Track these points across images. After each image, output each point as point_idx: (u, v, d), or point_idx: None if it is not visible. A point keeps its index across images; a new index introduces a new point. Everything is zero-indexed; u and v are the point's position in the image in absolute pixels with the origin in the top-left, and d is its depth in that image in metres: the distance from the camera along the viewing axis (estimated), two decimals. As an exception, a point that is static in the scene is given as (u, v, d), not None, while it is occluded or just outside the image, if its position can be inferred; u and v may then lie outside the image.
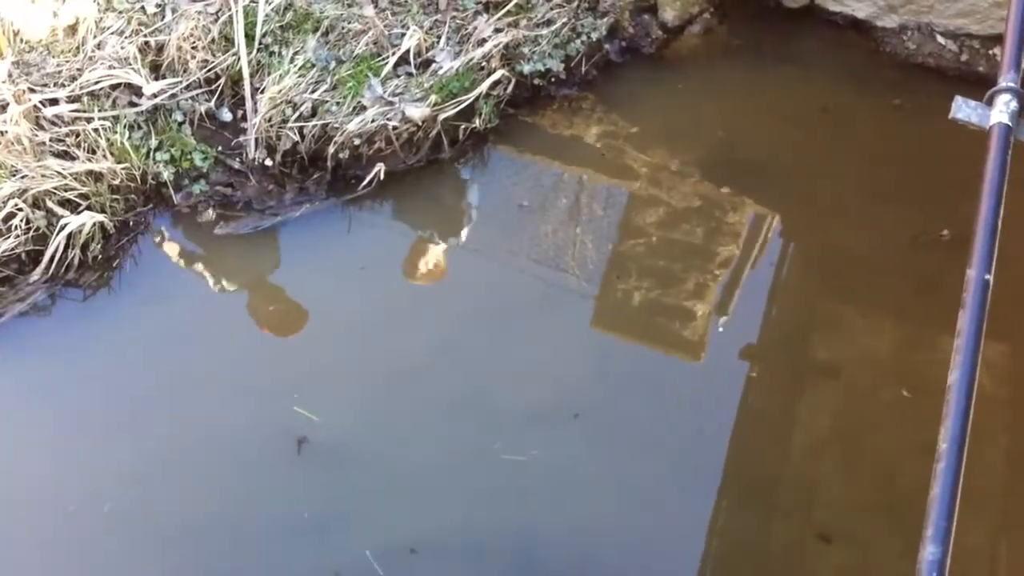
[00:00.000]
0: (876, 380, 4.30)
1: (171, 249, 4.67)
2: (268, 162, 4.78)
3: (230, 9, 4.83)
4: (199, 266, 4.62)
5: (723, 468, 4.06)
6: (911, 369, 4.31)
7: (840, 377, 4.32)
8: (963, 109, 2.97)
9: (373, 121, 4.76)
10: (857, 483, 4.02)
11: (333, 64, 4.89)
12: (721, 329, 4.49)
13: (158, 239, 4.67)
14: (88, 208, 4.45)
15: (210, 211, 4.70)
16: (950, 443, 2.41)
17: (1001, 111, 2.91)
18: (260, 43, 4.85)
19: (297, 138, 4.75)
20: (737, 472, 4.05)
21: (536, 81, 5.16)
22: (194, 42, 4.79)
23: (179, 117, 4.78)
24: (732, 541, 3.93)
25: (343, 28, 4.97)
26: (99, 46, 4.75)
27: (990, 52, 5.11)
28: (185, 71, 4.80)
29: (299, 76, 4.79)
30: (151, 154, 4.67)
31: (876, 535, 3.88)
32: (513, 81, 5.06)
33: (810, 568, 3.88)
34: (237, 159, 4.80)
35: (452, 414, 4.14)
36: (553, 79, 5.18)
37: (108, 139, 4.57)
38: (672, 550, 3.93)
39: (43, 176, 4.41)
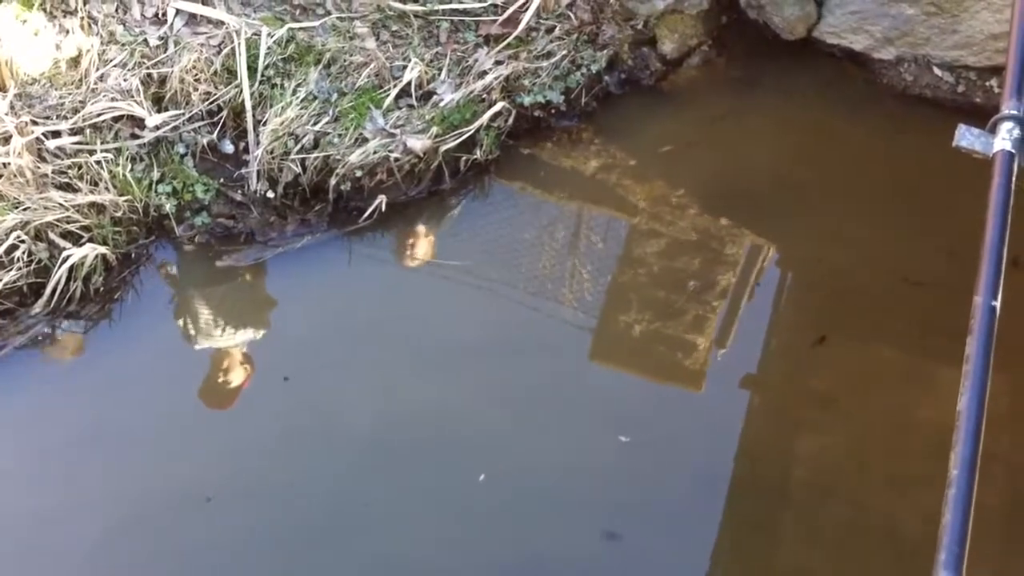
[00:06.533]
0: (874, 411, 4.30)
1: (172, 282, 4.67)
2: (270, 194, 4.79)
3: (233, 42, 4.86)
4: (200, 299, 4.62)
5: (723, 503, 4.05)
6: (908, 397, 4.32)
7: (838, 408, 4.32)
8: (966, 137, 2.98)
9: (375, 153, 4.78)
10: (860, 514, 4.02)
11: (335, 96, 4.91)
12: (719, 359, 4.49)
13: (159, 271, 4.67)
14: (90, 240, 4.45)
15: (209, 243, 4.71)
16: (961, 469, 2.40)
17: (1004, 139, 2.91)
18: (262, 75, 4.87)
19: (299, 170, 4.76)
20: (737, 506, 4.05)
21: (536, 113, 5.18)
22: (197, 74, 4.80)
23: (181, 149, 4.79)
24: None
25: (345, 60, 5.00)
26: (102, 78, 4.76)
27: (987, 84, 5.14)
28: (187, 103, 4.81)
29: (301, 108, 4.81)
30: (153, 186, 4.67)
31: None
32: (514, 113, 5.08)
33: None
34: (239, 191, 4.80)
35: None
36: (553, 111, 5.21)
37: (110, 171, 4.58)
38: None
39: (45, 208, 4.41)
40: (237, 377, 4.36)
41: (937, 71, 5.23)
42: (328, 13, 5.19)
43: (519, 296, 4.68)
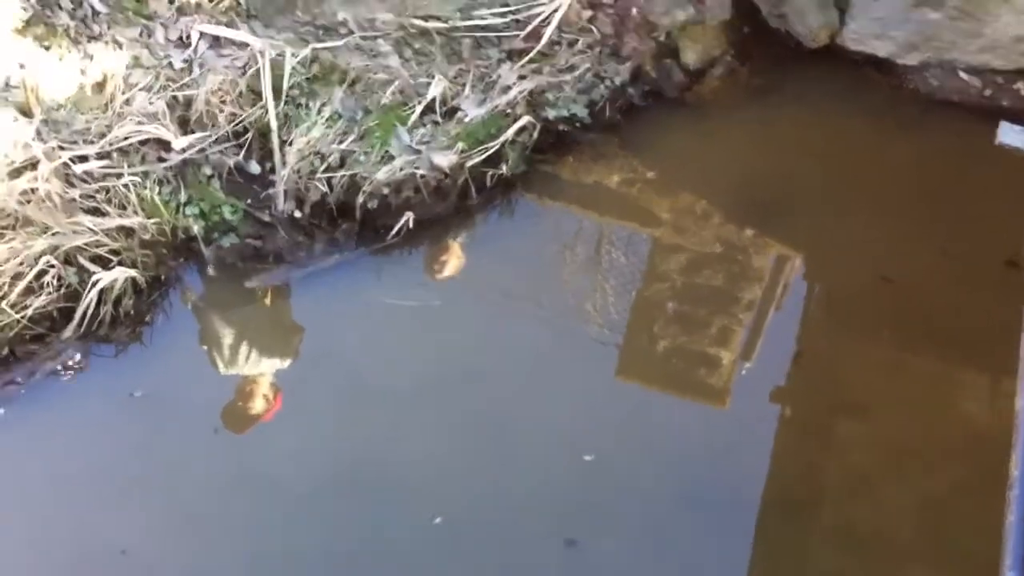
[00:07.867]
0: (906, 419, 4.26)
1: (201, 303, 4.66)
2: (297, 214, 4.78)
3: (257, 63, 4.86)
4: (228, 321, 4.61)
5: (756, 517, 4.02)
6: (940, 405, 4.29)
7: (870, 417, 4.28)
8: (1009, 134, 2.97)
9: (401, 170, 4.77)
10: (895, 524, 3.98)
11: (360, 115, 4.91)
12: (744, 373, 4.47)
13: (188, 293, 4.66)
14: (119, 264, 4.43)
15: (237, 264, 4.70)
16: (1023, 469, 2.37)
17: (1049, 136, 2.90)
18: (287, 96, 4.87)
19: (326, 189, 4.75)
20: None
21: (561, 126, 5.18)
22: (222, 96, 4.81)
23: (208, 171, 4.78)
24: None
25: (369, 79, 5.00)
26: (127, 102, 4.76)
27: (1014, 86, 5.12)
28: (214, 125, 4.81)
29: (326, 127, 4.81)
30: (181, 208, 4.67)
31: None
32: (538, 127, 5.07)
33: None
34: (266, 211, 4.79)
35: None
36: (578, 124, 5.21)
37: (138, 194, 4.57)
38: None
39: (74, 232, 4.41)
40: (258, 406, 4.34)
41: (963, 75, 5.22)
42: (351, 32, 5.19)
43: (547, 314, 4.66)
